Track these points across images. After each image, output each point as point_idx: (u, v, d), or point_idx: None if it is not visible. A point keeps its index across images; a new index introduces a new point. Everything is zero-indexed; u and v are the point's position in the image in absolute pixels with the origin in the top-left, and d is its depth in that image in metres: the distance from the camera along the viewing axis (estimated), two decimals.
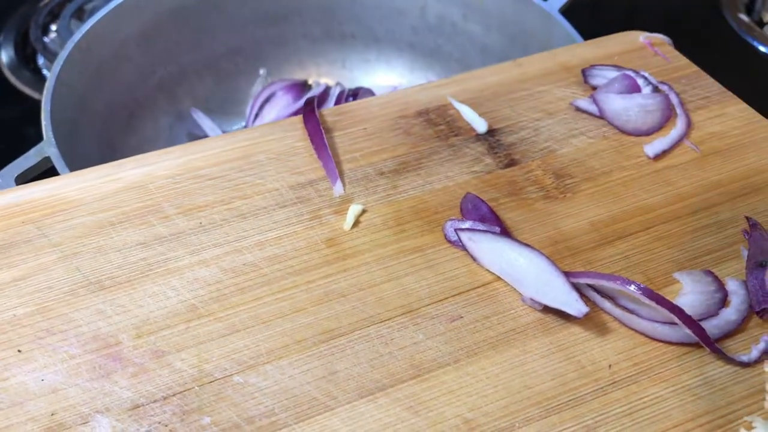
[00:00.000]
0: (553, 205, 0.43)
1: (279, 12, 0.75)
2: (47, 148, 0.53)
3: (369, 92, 0.76)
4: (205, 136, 0.74)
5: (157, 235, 0.41)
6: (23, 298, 0.38)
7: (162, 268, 0.39)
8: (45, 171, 0.53)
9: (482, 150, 0.47)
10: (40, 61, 0.87)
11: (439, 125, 0.49)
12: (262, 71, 0.78)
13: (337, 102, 0.75)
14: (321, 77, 0.80)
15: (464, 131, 0.48)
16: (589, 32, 0.63)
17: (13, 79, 0.84)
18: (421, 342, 0.36)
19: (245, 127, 0.76)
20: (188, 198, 0.43)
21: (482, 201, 0.43)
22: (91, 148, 0.63)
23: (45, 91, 0.57)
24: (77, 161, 0.58)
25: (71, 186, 0.44)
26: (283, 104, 0.76)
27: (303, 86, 0.78)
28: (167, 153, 0.46)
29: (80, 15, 0.91)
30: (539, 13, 0.65)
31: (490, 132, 0.48)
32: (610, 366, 0.36)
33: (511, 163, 0.46)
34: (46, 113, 0.55)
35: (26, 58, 0.87)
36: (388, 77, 0.79)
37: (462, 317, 0.37)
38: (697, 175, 0.45)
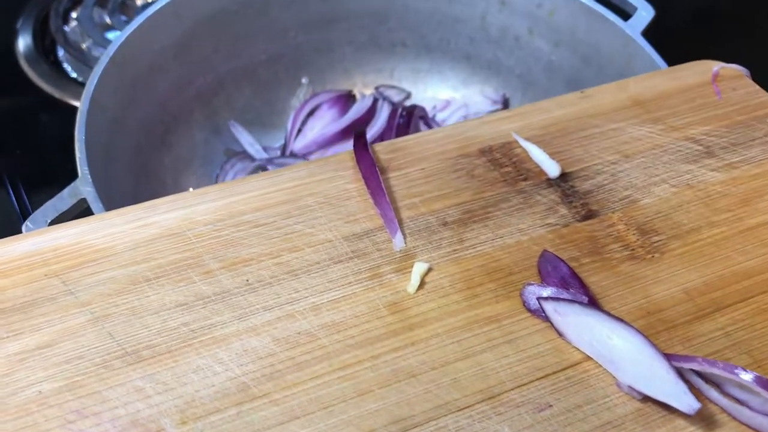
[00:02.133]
0: (641, 267, 0.39)
1: (324, 17, 0.70)
2: (83, 187, 0.48)
3: (424, 110, 0.71)
4: (243, 151, 0.70)
5: (200, 295, 0.36)
6: (49, 370, 0.33)
7: (207, 335, 0.35)
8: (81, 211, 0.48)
9: (555, 198, 0.42)
10: (60, 53, 0.82)
11: (504, 166, 0.44)
12: (304, 80, 0.73)
13: (390, 119, 0.70)
14: (366, 87, 0.75)
15: (533, 174, 0.44)
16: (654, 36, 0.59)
17: (30, 73, 0.79)
18: None
19: (285, 143, 0.71)
20: (232, 249, 0.39)
21: (562, 262, 0.38)
22: (124, 171, 0.58)
23: (78, 116, 0.52)
24: (110, 188, 0.54)
25: (100, 232, 0.39)
26: (327, 119, 0.71)
27: (348, 98, 0.73)
28: (205, 194, 0.41)
29: (104, 2, 0.86)
30: (618, 34, 0.60)
31: (563, 176, 0.43)
32: None
33: (590, 214, 0.42)
34: (81, 144, 0.50)
35: (45, 49, 0.82)
36: (440, 90, 0.74)
37: (551, 406, 0.33)
38: None
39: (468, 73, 0.74)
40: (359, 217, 0.41)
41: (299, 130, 0.71)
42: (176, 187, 0.66)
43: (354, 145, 0.44)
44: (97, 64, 0.55)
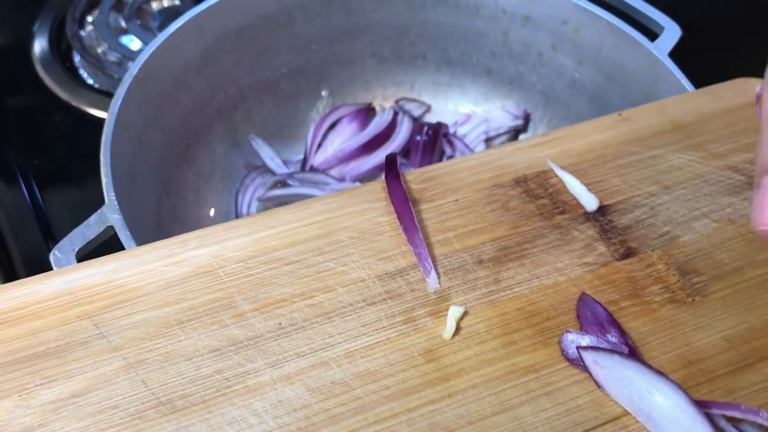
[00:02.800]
0: (681, 311, 0.38)
1: (348, 30, 0.69)
2: (110, 214, 0.48)
3: (447, 127, 0.70)
4: (263, 165, 0.69)
5: (232, 339, 0.36)
6: (84, 421, 0.33)
7: (241, 384, 0.34)
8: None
9: (593, 234, 0.41)
10: (76, 58, 0.81)
11: (540, 198, 0.43)
12: (324, 93, 0.72)
13: (412, 135, 0.69)
14: (387, 100, 0.74)
15: (570, 207, 0.43)
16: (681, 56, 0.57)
17: (45, 78, 0.78)
18: None
19: (305, 157, 0.70)
20: (264, 289, 0.38)
21: (601, 306, 0.37)
22: (146, 189, 0.58)
23: (103, 140, 0.51)
24: (134, 209, 0.53)
25: (131, 270, 0.39)
26: (348, 134, 0.70)
27: (368, 111, 0.72)
28: (235, 228, 0.41)
29: (120, 7, 0.85)
30: (644, 54, 0.59)
31: (601, 210, 0.42)
32: None
33: (628, 252, 0.40)
34: (106, 168, 0.49)
35: (60, 54, 0.81)
36: (460, 103, 0.73)
37: None
38: None
39: (489, 87, 0.72)
40: (392, 254, 0.40)
41: (319, 144, 0.70)
42: (197, 203, 0.65)
43: (386, 174, 0.43)
44: (120, 85, 0.54)
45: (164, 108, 0.60)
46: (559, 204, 0.43)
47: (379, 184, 0.43)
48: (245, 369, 0.35)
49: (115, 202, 0.48)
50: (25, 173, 0.70)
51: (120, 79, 0.55)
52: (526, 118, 0.72)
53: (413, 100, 0.73)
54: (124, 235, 0.47)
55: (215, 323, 0.37)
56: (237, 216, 0.67)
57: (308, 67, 0.70)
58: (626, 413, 0.34)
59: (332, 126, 0.71)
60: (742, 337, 0.37)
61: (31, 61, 0.79)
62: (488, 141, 0.71)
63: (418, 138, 0.68)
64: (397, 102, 0.73)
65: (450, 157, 0.69)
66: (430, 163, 0.67)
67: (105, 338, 0.36)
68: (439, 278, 0.39)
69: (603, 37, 0.62)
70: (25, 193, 0.69)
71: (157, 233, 0.60)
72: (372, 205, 0.42)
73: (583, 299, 0.38)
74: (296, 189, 0.68)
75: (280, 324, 0.37)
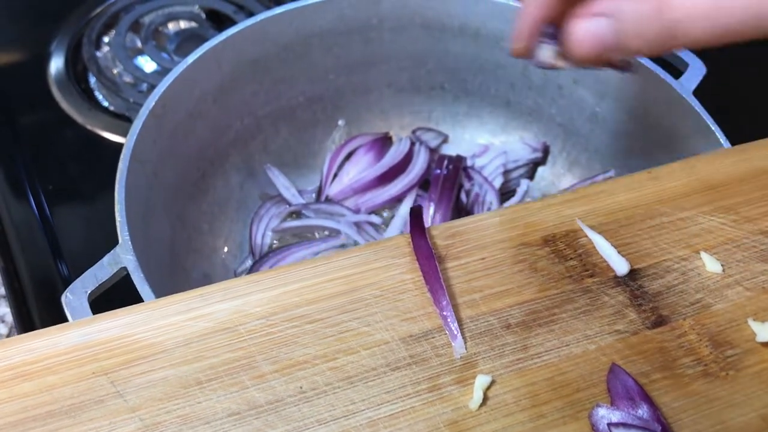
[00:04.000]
0: (715, 387, 0.37)
1: (365, 59, 0.68)
2: (123, 255, 0.47)
3: (465, 159, 0.69)
4: (278, 194, 0.68)
5: (252, 403, 0.35)
6: None
7: None
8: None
9: (624, 300, 0.40)
10: (92, 80, 0.80)
11: (569, 259, 0.42)
12: (340, 122, 0.71)
13: (429, 167, 0.68)
14: (403, 129, 0.73)
15: (600, 270, 0.42)
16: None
17: (60, 99, 0.77)
18: None
19: (321, 187, 0.69)
20: (285, 350, 0.37)
21: (632, 379, 0.36)
22: (160, 223, 0.57)
23: (118, 177, 0.50)
24: (149, 245, 0.53)
25: (150, 324, 0.38)
26: (363, 164, 0.69)
27: (384, 141, 0.71)
28: (258, 282, 0.40)
29: (137, 28, 0.84)
30: (667, 91, 0.58)
31: (631, 274, 0.41)
32: None
33: (660, 321, 0.39)
34: (121, 206, 0.49)
35: (76, 75, 0.80)
36: (477, 134, 0.73)
37: None
38: None
39: (507, 118, 0.72)
40: (417, 314, 0.39)
41: (335, 175, 0.69)
42: (212, 233, 0.64)
43: (411, 229, 0.43)
44: (137, 118, 0.54)
45: (180, 139, 0.60)
46: (588, 266, 0.42)
47: (404, 239, 0.43)
48: None
49: (129, 243, 0.48)
50: (36, 191, 0.69)
51: (135, 103, 0.54)
52: (545, 151, 0.71)
53: (430, 130, 0.73)
54: (137, 277, 0.46)
55: (235, 384, 0.36)
56: (251, 246, 0.66)
57: (325, 96, 0.70)
58: None
59: (348, 156, 0.70)
60: None
61: (47, 80, 0.79)
62: (506, 173, 0.70)
63: (438, 171, 0.67)
64: (414, 132, 0.73)
65: (468, 191, 0.68)
66: (450, 197, 0.66)
67: (122, 397, 0.35)
68: (465, 343, 0.38)
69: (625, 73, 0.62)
70: (35, 211, 0.68)
71: (172, 266, 0.59)
72: (396, 261, 0.41)
73: (614, 371, 0.37)
74: (311, 221, 0.67)
75: (301, 388, 0.36)
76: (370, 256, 0.42)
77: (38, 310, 0.61)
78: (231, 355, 0.37)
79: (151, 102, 0.55)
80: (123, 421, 0.34)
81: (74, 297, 0.45)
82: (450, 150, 0.72)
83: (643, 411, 0.35)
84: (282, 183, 0.69)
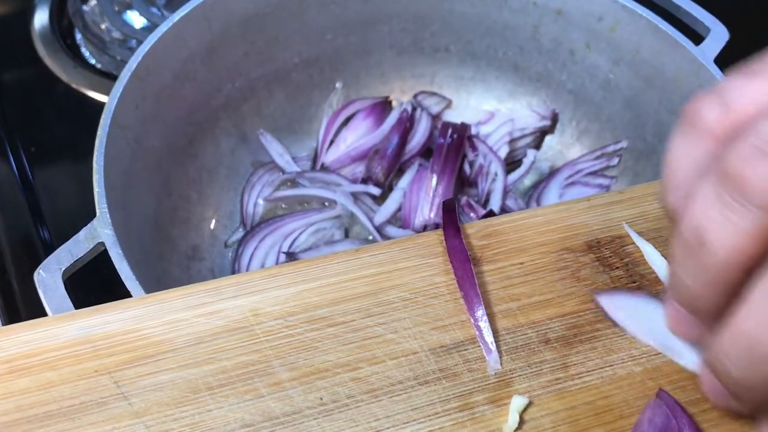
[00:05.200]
0: None
1: (364, 19, 0.64)
2: (101, 229, 0.43)
3: (469, 128, 0.65)
4: (272, 161, 0.65)
5: (267, 414, 0.32)
6: None
7: None
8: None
9: None
10: (77, 36, 0.75)
11: (615, 268, 0.39)
12: (338, 85, 0.67)
13: (431, 135, 0.64)
14: (405, 93, 0.69)
15: (648, 282, 0.38)
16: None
17: (44, 56, 0.73)
18: None
19: (316, 155, 0.65)
20: (305, 355, 0.34)
21: (681, 408, 0.33)
22: (144, 191, 0.54)
23: (97, 144, 0.47)
24: (130, 217, 0.50)
25: (157, 319, 0.35)
26: (362, 131, 0.65)
27: (384, 105, 0.67)
28: (276, 277, 0.37)
29: None
30: (687, 58, 0.54)
31: None
32: None
33: None
34: (99, 176, 0.45)
35: (61, 30, 0.76)
36: (483, 100, 0.69)
37: None
38: None
39: (515, 84, 0.67)
40: (448, 322, 0.36)
41: (332, 141, 0.65)
42: (200, 202, 0.61)
43: (444, 227, 0.39)
44: (118, 81, 0.50)
45: (165, 103, 0.56)
46: (635, 277, 0.38)
47: (436, 236, 0.39)
48: None
49: (108, 216, 0.44)
50: (17, 153, 0.66)
51: (122, 60, 0.51)
52: (554, 119, 0.67)
53: (433, 95, 0.69)
54: (115, 254, 0.43)
55: (249, 392, 0.33)
56: (242, 216, 0.62)
57: (322, 58, 0.66)
58: None
59: (346, 121, 0.67)
60: None
61: (30, 35, 0.74)
62: (512, 142, 0.66)
63: (441, 141, 0.63)
64: (415, 96, 0.68)
65: (472, 162, 0.65)
66: (453, 168, 0.62)
67: (126, 399, 0.32)
68: (501, 358, 0.35)
69: (642, 37, 0.58)
70: (16, 173, 0.65)
71: (156, 238, 0.56)
72: (427, 261, 0.38)
73: (661, 397, 0.34)
74: (306, 190, 0.63)
75: (321, 399, 0.33)
76: (399, 254, 0.38)
77: (17, 277, 0.58)
78: (245, 358, 0.34)
79: (133, 63, 0.51)
80: (126, 427, 0.31)
81: (48, 275, 0.42)
82: (453, 116, 0.68)
83: None
84: (275, 149, 0.65)
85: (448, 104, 0.69)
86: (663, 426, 0.32)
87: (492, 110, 0.68)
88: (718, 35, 0.56)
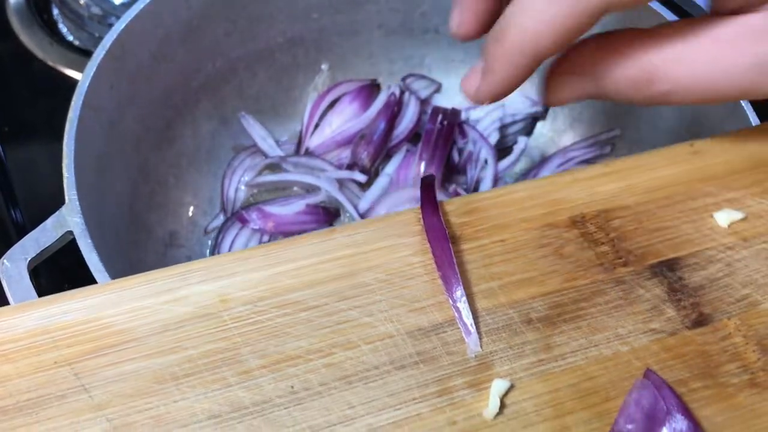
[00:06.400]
0: (762, 398, 0.32)
1: None
2: (70, 217, 0.42)
3: (460, 113, 0.63)
4: (254, 145, 0.63)
5: (236, 404, 0.31)
6: None
7: None
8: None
9: (661, 293, 0.35)
10: (55, 11, 0.73)
11: (601, 244, 0.37)
12: (324, 66, 0.65)
13: (419, 120, 0.62)
14: (393, 76, 0.67)
15: (635, 258, 0.37)
16: None
17: (20, 33, 0.70)
18: None
19: (300, 139, 0.64)
20: (275, 342, 0.32)
21: (669, 388, 0.32)
22: (119, 177, 0.52)
23: (67, 127, 0.45)
24: (103, 204, 0.48)
25: (119, 307, 0.33)
26: (348, 114, 0.64)
27: (372, 89, 0.65)
28: (246, 259, 0.35)
29: None
30: None
31: (669, 264, 0.36)
32: None
33: (701, 319, 0.35)
34: (69, 160, 0.44)
35: (38, 4, 0.73)
36: None
37: None
38: None
39: None
40: (426, 304, 0.34)
41: (316, 125, 0.64)
42: (178, 187, 0.60)
43: (422, 204, 0.37)
44: (90, 61, 0.48)
45: (142, 83, 0.54)
46: (622, 253, 0.37)
47: (413, 214, 0.37)
48: None
49: (77, 203, 0.43)
50: None
51: (101, 38, 0.49)
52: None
53: (422, 77, 0.67)
54: (84, 244, 0.41)
55: (217, 381, 0.31)
56: (223, 202, 0.61)
57: (307, 38, 0.64)
58: None
59: (332, 104, 0.65)
60: None
61: (4, 9, 0.72)
62: (503, 128, 0.64)
63: (431, 126, 0.62)
64: (404, 79, 0.67)
65: (461, 150, 0.63)
66: (442, 156, 0.60)
67: (86, 392, 0.30)
68: (481, 340, 0.33)
69: (640, 24, 0.55)
70: None
71: (132, 225, 0.54)
72: (404, 241, 0.36)
73: (648, 377, 0.32)
74: (289, 175, 0.62)
75: (292, 387, 0.31)
76: (375, 233, 0.37)
77: None
78: (213, 346, 0.32)
79: (108, 41, 0.49)
80: (87, 421, 0.30)
81: (12, 264, 0.40)
82: (442, 100, 0.66)
83: (680, 425, 0.31)
84: (258, 132, 0.63)
85: (438, 88, 0.67)
86: (650, 407, 0.31)
87: None
88: None
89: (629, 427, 0.30)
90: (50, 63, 0.69)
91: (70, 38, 0.72)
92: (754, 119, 0.49)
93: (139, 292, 0.33)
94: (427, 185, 0.39)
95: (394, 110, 0.63)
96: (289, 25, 0.62)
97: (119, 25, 0.50)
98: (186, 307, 0.33)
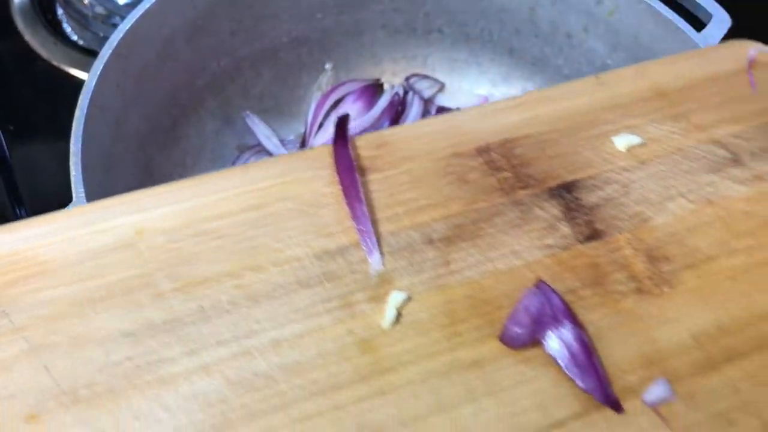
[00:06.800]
0: (647, 303, 0.35)
1: None
2: None
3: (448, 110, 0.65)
4: (258, 144, 0.64)
5: (148, 323, 0.33)
6: None
7: (152, 374, 0.31)
8: None
9: (557, 213, 0.37)
10: (59, 11, 0.74)
11: (502, 170, 0.39)
12: (328, 65, 0.66)
13: (424, 115, 0.63)
14: (396, 76, 0.68)
15: (535, 182, 0.39)
16: None
17: (25, 33, 0.71)
18: None
19: (305, 138, 0.65)
20: (188, 267, 0.34)
21: (557, 295, 0.34)
22: (124, 175, 0.53)
23: (74, 126, 0.46)
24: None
25: (43, 240, 0.35)
26: (352, 113, 0.65)
27: (376, 89, 0.66)
28: (167, 193, 0.37)
29: None
30: (688, 45, 0.53)
31: (567, 186, 0.38)
32: None
33: (594, 235, 0.37)
34: (76, 158, 0.45)
35: (42, 5, 0.73)
36: (477, 84, 0.68)
37: None
38: None
39: (510, 67, 0.66)
40: (334, 230, 0.36)
41: (320, 125, 0.65)
42: None
43: (334, 137, 0.39)
44: (98, 60, 0.49)
45: (147, 83, 0.55)
46: (522, 178, 0.39)
47: (326, 150, 0.39)
48: (159, 357, 0.32)
49: (84, 201, 0.44)
50: None
51: (105, 37, 0.49)
52: None
53: (426, 77, 0.68)
54: None
55: (130, 303, 0.33)
56: None
57: (311, 37, 0.64)
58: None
59: (335, 104, 0.66)
60: (711, 335, 0.34)
61: (9, 10, 0.72)
62: None
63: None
64: (407, 79, 0.68)
65: None
66: None
67: (7, 317, 0.33)
68: (383, 258, 0.35)
69: (641, 23, 0.57)
70: None
71: None
72: (316, 173, 0.38)
73: (539, 287, 0.34)
74: None
75: (201, 306, 0.33)
76: (289, 167, 0.39)
77: None
78: (128, 273, 0.34)
79: (114, 40, 0.50)
80: (6, 343, 0.32)
81: None
82: (445, 100, 0.67)
83: (565, 328, 0.33)
84: (262, 132, 0.64)
85: (441, 88, 0.68)
86: (537, 312, 0.33)
87: (486, 94, 0.68)
88: (720, 22, 0.54)
89: (517, 330, 0.33)
90: (54, 62, 0.69)
91: (74, 38, 0.72)
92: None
93: (64, 225, 0.35)
94: (340, 122, 0.41)
95: (397, 110, 0.65)
96: (294, 24, 0.63)
97: (125, 25, 0.51)
98: (106, 239, 0.35)
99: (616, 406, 0.31)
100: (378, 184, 0.38)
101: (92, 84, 0.49)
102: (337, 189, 0.38)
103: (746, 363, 0.33)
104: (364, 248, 0.35)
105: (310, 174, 0.38)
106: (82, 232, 0.35)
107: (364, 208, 0.36)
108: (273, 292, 0.34)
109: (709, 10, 0.55)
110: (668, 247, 0.36)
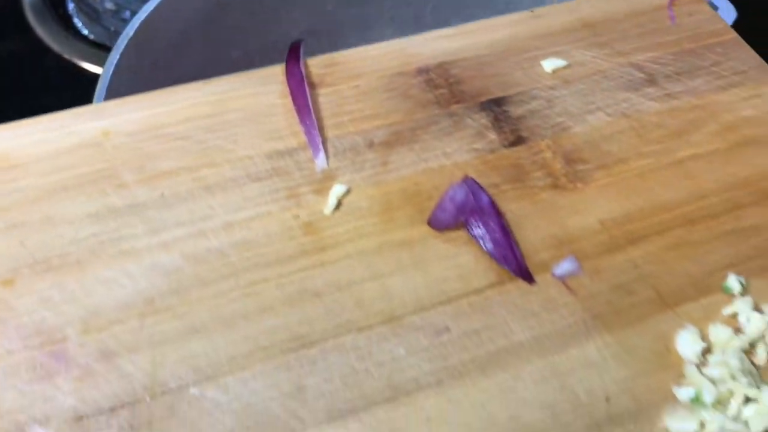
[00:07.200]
0: (561, 196, 0.39)
1: None
2: None
3: None
4: None
5: (111, 207, 0.36)
6: None
7: (116, 248, 0.35)
8: None
9: (486, 123, 0.42)
10: (70, 6, 0.75)
11: (440, 88, 0.43)
12: None
13: None
14: None
15: (468, 98, 0.43)
16: None
17: (36, 27, 0.72)
18: (401, 358, 0.33)
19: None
20: (150, 163, 0.38)
21: (480, 188, 0.38)
22: None
23: None
24: None
25: (21, 140, 0.39)
26: None
27: None
28: (129, 103, 0.41)
29: None
30: None
31: (498, 100, 0.43)
32: (607, 399, 0.32)
33: (518, 141, 0.41)
34: None
35: (53, 0, 0.75)
36: None
37: (449, 330, 0.33)
38: (722, 169, 0.41)
39: None
40: (284, 134, 0.40)
41: None
42: None
43: (287, 57, 0.43)
44: (114, 50, 0.50)
45: (161, 74, 0.55)
46: (456, 94, 0.43)
47: (279, 69, 0.43)
48: (122, 234, 0.35)
49: None
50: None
51: (116, 31, 0.49)
52: None
53: None
54: None
55: (96, 191, 0.37)
56: None
57: (321, 30, 0.65)
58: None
59: None
60: (617, 221, 0.38)
61: (21, 4, 0.73)
62: None
63: None
64: None
65: None
66: None
67: None
68: (328, 158, 0.39)
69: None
70: None
71: None
72: (269, 88, 0.42)
73: (465, 181, 0.38)
74: None
75: (162, 195, 0.37)
76: (243, 83, 0.42)
77: None
78: (95, 167, 0.38)
79: (130, 30, 0.52)
80: None
81: None
82: None
83: (484, 213, 0.37)
84: None
85: None
86: (462, 201, 0.37)
87: None
88: (725, 14, 0.54)
89: (443, 215, 0.37)
90: (66, 56, 0.70)
91: (85, 32, 0.72)
92: None
93: (36, 129, 0.39)
94: (294, 46, 0.44)
95: None
96: (305, 17, 0.63)
97: (141, 16, 0.53)
98: (76, 139, 0.39)
99: (528, 278, 0.35)
100: (327, 97, 0.42)
101: (108, 76, 0.50)
102: (287, 101, 0.42)
103: (647, 244, 0.37)
104: (311, 149, 0.39)
105: (263, 88, 0.42)
106: (52, 135, 0.39)
107: (312, 114, 0.40)
108: (226, 184, 0.38)
109: (714, 2, 0.55)
110: (584, 151, 0.41)
